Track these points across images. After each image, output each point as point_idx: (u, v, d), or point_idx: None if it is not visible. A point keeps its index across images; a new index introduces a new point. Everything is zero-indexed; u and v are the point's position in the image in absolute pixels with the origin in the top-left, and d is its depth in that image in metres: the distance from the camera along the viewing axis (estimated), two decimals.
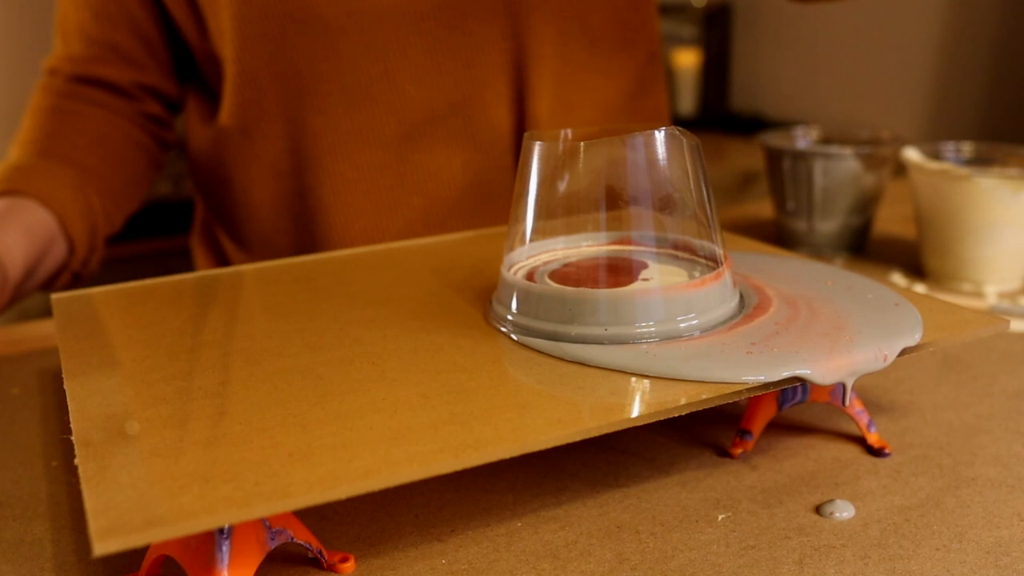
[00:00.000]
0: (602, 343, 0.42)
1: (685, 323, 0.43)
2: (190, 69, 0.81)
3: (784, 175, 0.76)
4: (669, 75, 2.17)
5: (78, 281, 0.72)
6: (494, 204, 0.77)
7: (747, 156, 1.88)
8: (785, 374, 0.40)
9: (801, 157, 0.75)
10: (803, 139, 0.81)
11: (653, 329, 0.43)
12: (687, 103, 2.20)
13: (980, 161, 0.72)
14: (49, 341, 0.64)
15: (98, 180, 0.73)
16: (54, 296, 0.54)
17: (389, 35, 0.71)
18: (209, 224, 0.86)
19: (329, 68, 0.72)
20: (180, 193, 1.71)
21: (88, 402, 0.39)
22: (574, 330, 0.43)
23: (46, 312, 0.76)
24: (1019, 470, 0.44)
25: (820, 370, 0.40)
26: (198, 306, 0.52)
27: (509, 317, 0.46)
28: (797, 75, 2.03)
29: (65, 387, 0.41)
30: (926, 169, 0.68)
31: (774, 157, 0.77)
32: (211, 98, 0.80)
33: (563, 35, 0.76)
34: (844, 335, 0.43)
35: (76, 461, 0.34)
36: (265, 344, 0.45)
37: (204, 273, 0.57)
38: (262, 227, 0.79)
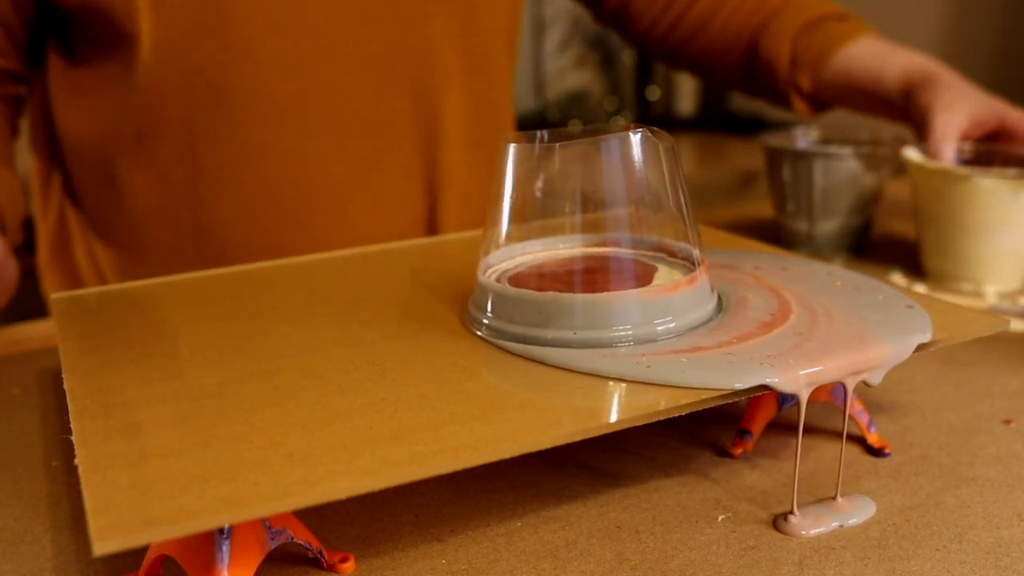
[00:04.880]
0: (573, 347, 0.42)
1: (663, 326, 0.43)
2: (41, 54, 0.76)
3: (784, 175, 0.76)
4: (669, 75, 2.16)
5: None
6: (404, 233, 0.76)
7: (747, 156, 1.88)
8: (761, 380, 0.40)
9: (801, 157, 0.75)
10: (803, 139, 0.81)
11: (630, 332, 0.43)
12: (687, 103, 2.19)
13: (980, 161, 0.72)
14: (49, 341, 0.64)
15: None
16: (54, 296, 0.54)
17: (306, 51, 0.70)
18: (65, 238, 0.80)
19: (243, 81, 0.70)
20: None
21: (88, 402, 0.39)
22: (549, 333, 0.43)
23: (46, 312, 0.76)
24: (1019, 470, 0.44)
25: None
26: (197, 306, 0.52)
27: (484, 321, 0.45)
28: None
29: (65, 387, 0.41)
30: (926, 169, 0.68)
31: (774, 157, 0.77)
32: (100, 80, 0.73)
33: (468, 56, 0.76)
34: (865, 343, 0.42)
35: (76, 461, 0.34)
36: (265, 344, 0.45)
37: (203, 273, 0.57)
38: (141, 233, 0.75)
